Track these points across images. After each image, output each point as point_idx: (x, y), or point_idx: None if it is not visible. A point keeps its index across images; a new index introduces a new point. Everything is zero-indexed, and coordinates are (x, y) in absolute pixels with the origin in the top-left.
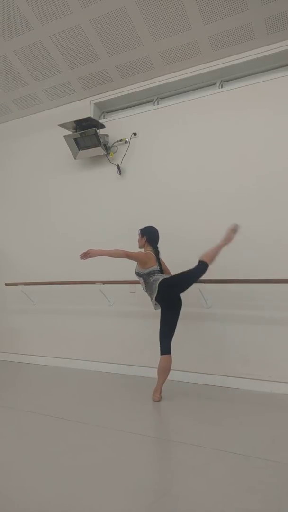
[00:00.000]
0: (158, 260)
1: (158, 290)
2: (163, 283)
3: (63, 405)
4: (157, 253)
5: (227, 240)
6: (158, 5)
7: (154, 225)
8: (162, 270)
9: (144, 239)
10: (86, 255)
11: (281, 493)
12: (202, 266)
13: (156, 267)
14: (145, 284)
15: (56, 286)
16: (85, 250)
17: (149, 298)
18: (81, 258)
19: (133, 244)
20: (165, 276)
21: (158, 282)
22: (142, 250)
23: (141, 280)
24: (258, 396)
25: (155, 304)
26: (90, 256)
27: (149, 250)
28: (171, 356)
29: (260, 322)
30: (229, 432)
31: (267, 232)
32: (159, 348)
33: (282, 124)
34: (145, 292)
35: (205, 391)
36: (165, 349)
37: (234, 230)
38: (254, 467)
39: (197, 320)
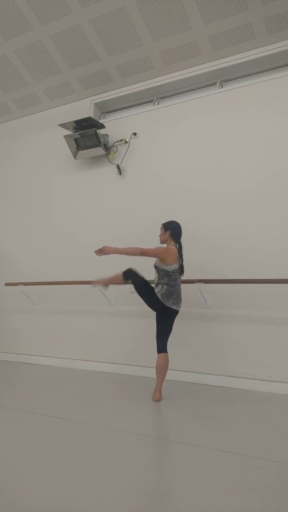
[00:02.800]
0: (181, 255)
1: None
2: (161, 303)
3: (63, 405)
4: (180, 248)
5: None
6: (158, 5)
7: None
8: (182, 268)
9: (168, 233)
10: (101, 252)
11: (281, 493)
12: (158, 347)
13: (175, 266)
14: (157, 278)
15: (56, 286)
16: (100, 247)
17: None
18: (96, 254)
19: (133, 244)
20: (169, 300)
21: (158, 297)
22: (163, 245)
23: (156, 274)
24: (258, 396)
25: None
26: (105, 253)
27: (172, 245)
28: (167, 355)
29: (260, 322)
30: (229, 432)
31: (267, 232)
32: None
33: (282, 124)
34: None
35: (205, 391)
36: (161, 347)
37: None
38: (254, 467)
39: (197, 320)
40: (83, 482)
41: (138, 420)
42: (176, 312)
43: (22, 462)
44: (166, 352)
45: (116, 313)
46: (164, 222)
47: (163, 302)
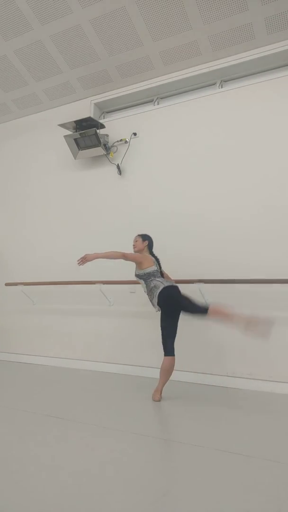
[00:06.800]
0: (158, 263)
1: (158, 298)
2: (164, 292)
3: (63, 405)
4: (155, 257)
5: (250, 326)
6: (158, 5)
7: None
8: (161, 272)
9: (146, 243)
10: (83, 260)
11: (281, 493)
12: (203, 311)
13: (154, 268)
14: (146, 286)
15: (56, 286)
16: (82, 255)
17: (149, 298)
18: (79, 264)
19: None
20: (166, 283)
21: (159, 291)
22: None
23: (142, 282)
24: (258, 396)
25: (156, 308)
26: (87, 261)
27: (146, 253)
28: (174, 358)
29: None
30: (229, 432)
31: (267, 232)
32: (159, 348)
33: (282, 124)
34: (145, 293)
35: (205, 391)
36: (169, 350)
37: (265, 326)
38: (254, 467)
39: (197, 320)
40: (83, 482)
41: (138, 420)
42: (176, 293)
43: (22, 462)
44: (174, 355)
45: (116, 313)
46: (139, 234)
47: (168, 289)
